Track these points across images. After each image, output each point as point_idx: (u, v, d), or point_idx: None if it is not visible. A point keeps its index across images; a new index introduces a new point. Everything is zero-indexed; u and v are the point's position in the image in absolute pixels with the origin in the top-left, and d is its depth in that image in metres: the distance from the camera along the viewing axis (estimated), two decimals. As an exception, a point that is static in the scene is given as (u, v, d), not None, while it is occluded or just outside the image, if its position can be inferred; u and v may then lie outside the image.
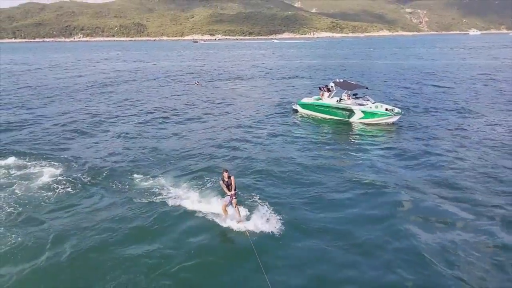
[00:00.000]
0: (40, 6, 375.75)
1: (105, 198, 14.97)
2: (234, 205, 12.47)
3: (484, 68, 60.47)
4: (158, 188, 15.56)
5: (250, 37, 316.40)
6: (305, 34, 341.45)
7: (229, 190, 12.35)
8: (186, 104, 35.41)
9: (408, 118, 28.08)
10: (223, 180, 12.48)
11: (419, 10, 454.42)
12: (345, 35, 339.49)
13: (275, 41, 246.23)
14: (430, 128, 25.88)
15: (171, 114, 31.28)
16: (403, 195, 15.01)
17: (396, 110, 26.66)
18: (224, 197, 12.87)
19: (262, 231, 12.04)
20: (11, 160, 19.02)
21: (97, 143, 23.16)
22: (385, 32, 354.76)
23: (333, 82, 29.07)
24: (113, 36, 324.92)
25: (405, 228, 12.53)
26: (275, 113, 30.94)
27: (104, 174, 17.36)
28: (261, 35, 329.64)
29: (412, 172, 17.86)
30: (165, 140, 23.63)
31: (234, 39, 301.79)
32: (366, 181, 16.50)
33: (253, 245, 10.91)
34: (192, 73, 63.62)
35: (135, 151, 21.03)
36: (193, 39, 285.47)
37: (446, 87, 43.06)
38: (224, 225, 12.48)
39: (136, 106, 35.08)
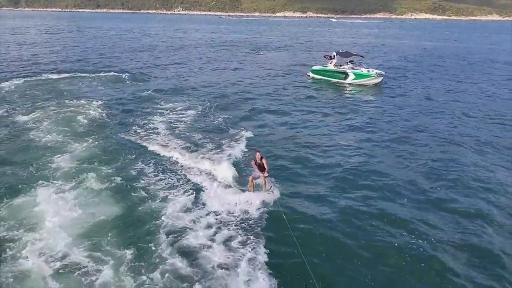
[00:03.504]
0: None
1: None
2: (263, 178, 12.58)
3: None
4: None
5: (341, 15, 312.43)
6: (402, 15, 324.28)
7: (261, 171, 12.37)
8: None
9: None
10: (255, 161, 12.42)
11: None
12: (447, 17, 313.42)
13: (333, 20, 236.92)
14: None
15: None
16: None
17: (381, 72, 34.87)
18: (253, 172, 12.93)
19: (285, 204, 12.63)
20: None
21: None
22: (494, 17, 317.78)
23: (335, 52, 37.84)
24: (209, 10, 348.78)
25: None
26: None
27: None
28: (354, 14, 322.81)
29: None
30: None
31: (324, 17, 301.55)
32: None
33: (284, 216, 11.43)
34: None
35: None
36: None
37: None
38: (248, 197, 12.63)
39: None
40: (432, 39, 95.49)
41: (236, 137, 19.65)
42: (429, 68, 47.26)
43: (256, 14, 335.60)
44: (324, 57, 39.44)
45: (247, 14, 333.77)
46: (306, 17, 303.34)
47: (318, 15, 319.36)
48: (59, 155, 16.83)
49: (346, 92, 33.86)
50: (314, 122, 23.78)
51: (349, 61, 37.27)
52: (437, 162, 17.25)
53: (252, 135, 20.26)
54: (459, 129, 22.44)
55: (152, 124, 22.04)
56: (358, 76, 35.50)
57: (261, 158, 12.46)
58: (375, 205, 13.16)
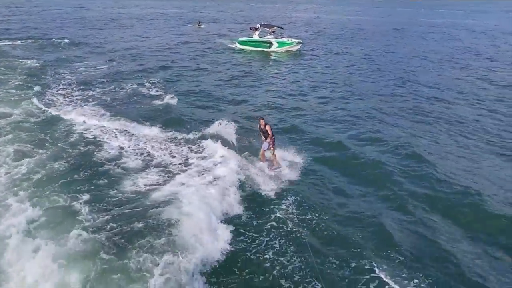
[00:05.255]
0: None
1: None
2: (272, 153, 12.52)
3: None
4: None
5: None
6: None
7: (265, 137, 12.48)
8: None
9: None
10: (260, 128, 12.59)
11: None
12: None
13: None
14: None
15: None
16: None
17: (299, 40, 39.89)
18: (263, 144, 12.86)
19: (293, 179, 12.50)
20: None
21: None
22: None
23: (259, 24, 42.01)
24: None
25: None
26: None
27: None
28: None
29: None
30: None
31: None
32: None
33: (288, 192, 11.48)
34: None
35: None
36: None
37: None
38: (260, 171, 12.62)
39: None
40: (364, 15, 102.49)
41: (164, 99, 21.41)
42: (347, 37, 53.15)
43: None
44: (250, 28, 43.48)
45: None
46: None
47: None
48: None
49: (271, 57, 38.29)
50: (249, 85, 26.81)
51: (272, 32, 41.51)
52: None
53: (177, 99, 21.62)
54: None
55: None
56: (280, 44, 39.95)
57: (265, 124, 12.50)
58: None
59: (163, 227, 9.51)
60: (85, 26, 55.38)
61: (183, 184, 11.77)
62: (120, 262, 8.38)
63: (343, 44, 46.83)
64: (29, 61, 29.60)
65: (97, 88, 23.47)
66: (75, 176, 12.56)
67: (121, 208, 10.72)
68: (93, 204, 10.88)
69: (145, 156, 14.26)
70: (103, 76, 26.66)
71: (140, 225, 9.65)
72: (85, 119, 17.57)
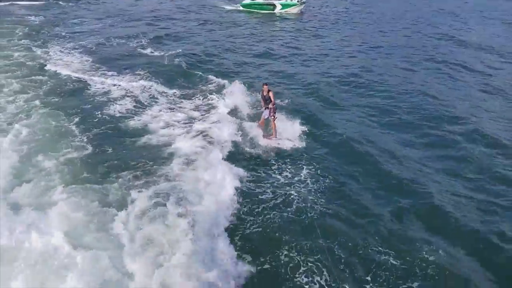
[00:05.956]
0: None
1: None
2: (273, 121, 12.24)
3: None
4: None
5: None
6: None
7: (266, 104, 12.14)
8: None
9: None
10: (262, 94, 12.23)
11: None
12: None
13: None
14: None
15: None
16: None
17: (303, 0, 39.42)
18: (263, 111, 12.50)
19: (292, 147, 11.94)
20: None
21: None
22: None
23: (261, -15, 41.40)
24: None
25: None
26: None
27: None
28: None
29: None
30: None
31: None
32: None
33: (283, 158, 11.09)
34: None
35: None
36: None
37: None
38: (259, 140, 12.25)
39: None
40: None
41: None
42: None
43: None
44: (252, -9, 42.69)
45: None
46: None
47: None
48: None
49: (276, 19, 37.98)
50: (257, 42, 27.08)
51: (275, -6, 41.12)
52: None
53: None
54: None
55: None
56: (284, 6, 39.48)
57: (268, 91, 12.06)
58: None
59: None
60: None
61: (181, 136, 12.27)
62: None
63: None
64: (32, 17, 30.64)
65: (99, 46, 23.65)
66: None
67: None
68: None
69: (142, 107, 14.65)
70: (107, 34, 26.73)
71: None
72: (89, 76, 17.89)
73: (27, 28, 26.60)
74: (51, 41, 23.75)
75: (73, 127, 12.52)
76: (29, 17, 31.30)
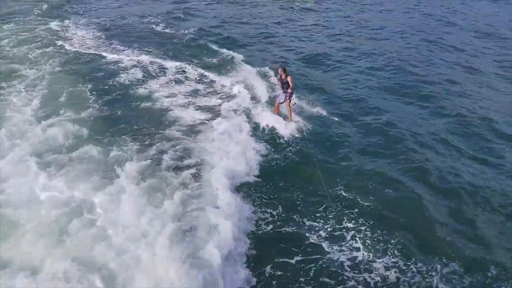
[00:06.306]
0: None
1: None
2: (288, 105, 11.99)
3: None
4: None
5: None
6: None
7: (284, 88, 11.80)
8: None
9: None
10: (280, 78, 11.87)
11: None
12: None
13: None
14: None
15: None
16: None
17: None
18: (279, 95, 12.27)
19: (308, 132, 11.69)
20: None
21: None
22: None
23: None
24: None
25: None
26: None
27: None
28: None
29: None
30: None
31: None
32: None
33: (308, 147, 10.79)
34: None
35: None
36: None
37: None
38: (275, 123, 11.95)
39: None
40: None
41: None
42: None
43: None
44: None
45: None
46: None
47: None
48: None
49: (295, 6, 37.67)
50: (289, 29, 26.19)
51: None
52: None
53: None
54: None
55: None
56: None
57: (286, 75, 11.64)
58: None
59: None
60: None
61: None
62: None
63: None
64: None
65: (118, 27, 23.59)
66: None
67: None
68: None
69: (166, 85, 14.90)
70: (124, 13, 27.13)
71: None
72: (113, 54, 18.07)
73: (46, 5, 27.44)
74: (68, 18, 24.55)
75: (86, 92, 13.65)
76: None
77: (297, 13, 32.11)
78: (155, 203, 8.11)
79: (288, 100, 11.90)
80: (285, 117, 12.24)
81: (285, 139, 11.31)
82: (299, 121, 12.17)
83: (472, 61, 20.69)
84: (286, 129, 11.65)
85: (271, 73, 15.72)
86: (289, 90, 11.66)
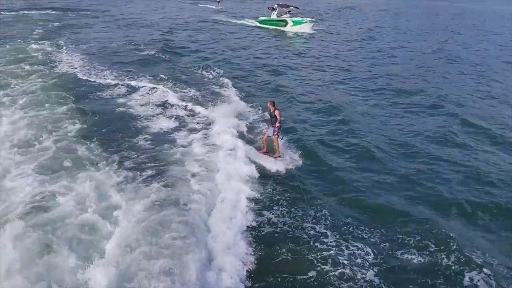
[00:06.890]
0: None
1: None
2: (276, 140, 11.69)
3: None
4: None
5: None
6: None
7: (273, 122, 11.62)
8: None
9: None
10: (269, 112, 11.80)
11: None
12: None
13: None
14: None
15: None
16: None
17: (312, 19, 40.40)
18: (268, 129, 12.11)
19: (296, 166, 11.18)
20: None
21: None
22: None
23: (276, 4, 42.49)
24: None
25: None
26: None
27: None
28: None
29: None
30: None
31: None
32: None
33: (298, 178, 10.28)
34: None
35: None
36: None
37: None
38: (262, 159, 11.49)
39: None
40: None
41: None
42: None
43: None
44: (268, 8, 44.08)
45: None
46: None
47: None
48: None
49: (287, 35, 38.63)
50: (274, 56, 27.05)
51: (288, 11, 41.95)
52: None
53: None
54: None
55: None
56: (295, 22, 40.44)
57: (275, 109, 11.42)
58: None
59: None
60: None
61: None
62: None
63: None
64: (50, 24, 32.15)
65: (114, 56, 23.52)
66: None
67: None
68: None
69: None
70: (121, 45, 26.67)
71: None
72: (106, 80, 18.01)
73: (42, 30, 28.32)
74: (62, 42, 25.17)
75: (70, 111, 13.67)
76: (46, 22, 32.92)
77: (290, 45, 32.92)
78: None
79: (276, 135, 11.49)
80: (272, 152, 11.77)
81: (273, 174, 10.79)
82: (283, 157, 11.67)
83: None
84: (275, 164, 11.19)
85: (260, 107, 15.07)
86: (276, 124, 11.28)
